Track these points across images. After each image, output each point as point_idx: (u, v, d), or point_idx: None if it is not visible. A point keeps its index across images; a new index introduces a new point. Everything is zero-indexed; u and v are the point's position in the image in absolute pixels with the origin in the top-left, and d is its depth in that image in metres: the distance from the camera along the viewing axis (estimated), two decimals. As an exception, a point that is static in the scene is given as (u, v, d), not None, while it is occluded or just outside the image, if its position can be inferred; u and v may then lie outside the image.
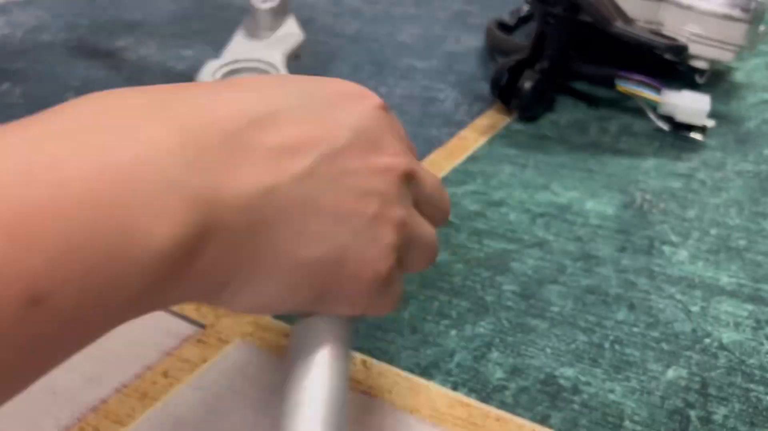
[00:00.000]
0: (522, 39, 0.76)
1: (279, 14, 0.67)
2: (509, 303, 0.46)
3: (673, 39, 0.61)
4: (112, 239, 0.20)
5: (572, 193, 0.55)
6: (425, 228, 0.34)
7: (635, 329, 0.44)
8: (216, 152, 0.24)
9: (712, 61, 0.63)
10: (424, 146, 0.62)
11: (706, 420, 0.38)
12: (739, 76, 0.69)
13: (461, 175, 0.58)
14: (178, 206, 0.22)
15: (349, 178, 0.29)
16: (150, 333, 0.46)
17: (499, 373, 0.42)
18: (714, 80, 0.68)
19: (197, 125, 0.24)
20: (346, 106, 0.31)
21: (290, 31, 0.66)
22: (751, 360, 0.41)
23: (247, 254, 0.26)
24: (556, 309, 0.45)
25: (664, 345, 0.42)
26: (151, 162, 0.22)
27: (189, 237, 0.22)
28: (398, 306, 0.38)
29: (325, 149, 0.28)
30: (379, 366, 0.43)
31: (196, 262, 0.23)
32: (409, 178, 0.32)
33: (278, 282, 0.28)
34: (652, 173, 0.57)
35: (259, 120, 0.27)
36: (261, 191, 0.26)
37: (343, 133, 0.29)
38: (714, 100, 0.62)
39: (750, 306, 0.45)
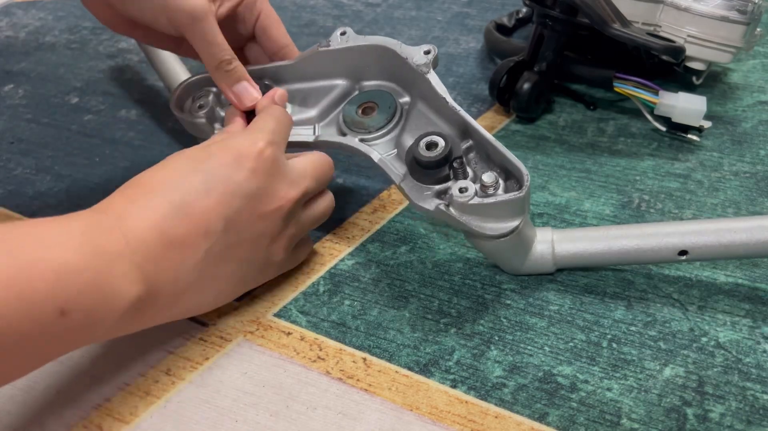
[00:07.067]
0: (520, 41, 0.77)
1: None
2: (508, 302, 0.46)
3: (671, 40, 0.61)
4: (95, 293, 0.36)
5: (570, 193, 0.56)
6: (314, 215, 0.47)
7: (633, 328, 0.44)
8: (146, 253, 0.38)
9: (709, 63, 0.64)
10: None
11: (702, 418, 0.39)
12: (735, 78, 0.70)
13: (460, 175, 0.58)
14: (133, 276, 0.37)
15: (245, 231, 0.42)
16: (153, 332, 0.46)
17: (498, 371, 0.42)
18: (710, 81, 0.68)
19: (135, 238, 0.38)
20: (234, 175, 0.41)
21: None
22: (748, 359, 0.42)
23: (180, 292, 0.41)
24: (554, 307, 0.46)
25: (662, 344, 0.43)
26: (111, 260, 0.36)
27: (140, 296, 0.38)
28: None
29: (224, 224, 0.40)
30: (379, 363, 0.43)
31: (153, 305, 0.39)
32: (296, 205, 0.45)
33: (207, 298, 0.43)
34: (650, 174, 0.57)
35: (171, 217, 0.39)
36: (183, 267, 0.40)
37: (235, 202, 0.41)
38: (710, 101, 0.62)
39: (747, 306, 0.45)
